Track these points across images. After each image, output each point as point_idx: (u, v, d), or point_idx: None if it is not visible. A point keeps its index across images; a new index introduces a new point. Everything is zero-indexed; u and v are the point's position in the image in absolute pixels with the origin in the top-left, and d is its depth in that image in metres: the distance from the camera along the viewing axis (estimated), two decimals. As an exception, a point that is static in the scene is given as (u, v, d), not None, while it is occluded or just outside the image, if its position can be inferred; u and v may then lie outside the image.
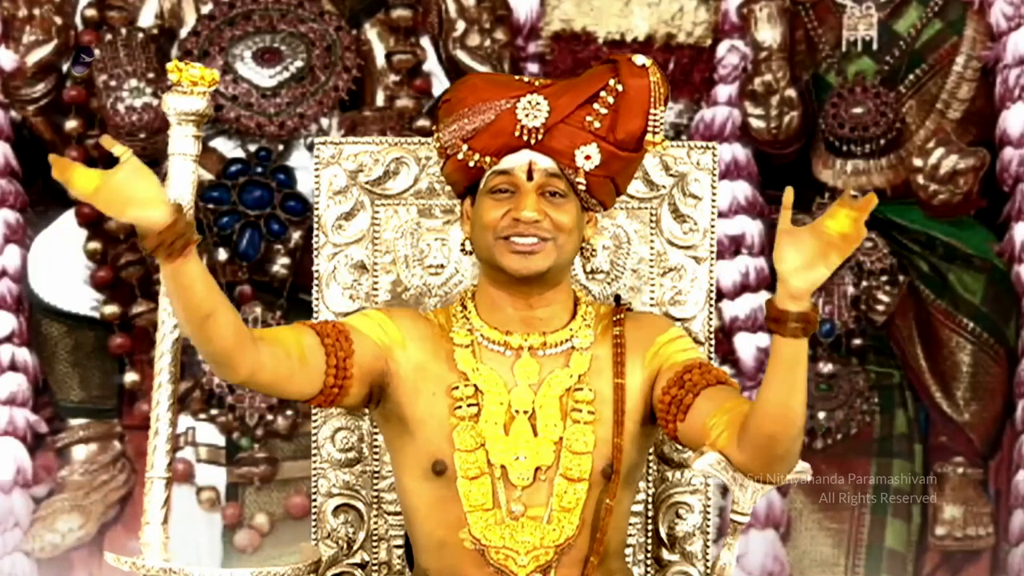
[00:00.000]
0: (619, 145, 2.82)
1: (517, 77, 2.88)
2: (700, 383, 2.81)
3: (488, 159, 2.83)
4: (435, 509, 2.88)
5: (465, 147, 2.83)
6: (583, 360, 2.90)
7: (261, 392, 2.89)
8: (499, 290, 2.89)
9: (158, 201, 2.60)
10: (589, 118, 2.80)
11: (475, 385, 2.87)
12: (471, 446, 2.85)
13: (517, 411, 2.87)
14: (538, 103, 2.81)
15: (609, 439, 2.86)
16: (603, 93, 2.81)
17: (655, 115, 2.81)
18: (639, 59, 2.82)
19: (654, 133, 2.82)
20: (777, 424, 2.67)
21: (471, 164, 2.84)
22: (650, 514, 3.19)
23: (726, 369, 5.12)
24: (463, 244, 2.94)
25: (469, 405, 2.86)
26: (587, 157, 2.81)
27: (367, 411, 3.11)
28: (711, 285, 3.21)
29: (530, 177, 2.82)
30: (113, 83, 5.14)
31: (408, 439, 2.89)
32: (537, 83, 2.84)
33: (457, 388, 2.87)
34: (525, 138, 2.81)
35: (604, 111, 2.80)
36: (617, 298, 3.09)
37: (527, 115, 2.81)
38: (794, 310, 2.62)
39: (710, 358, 3.20)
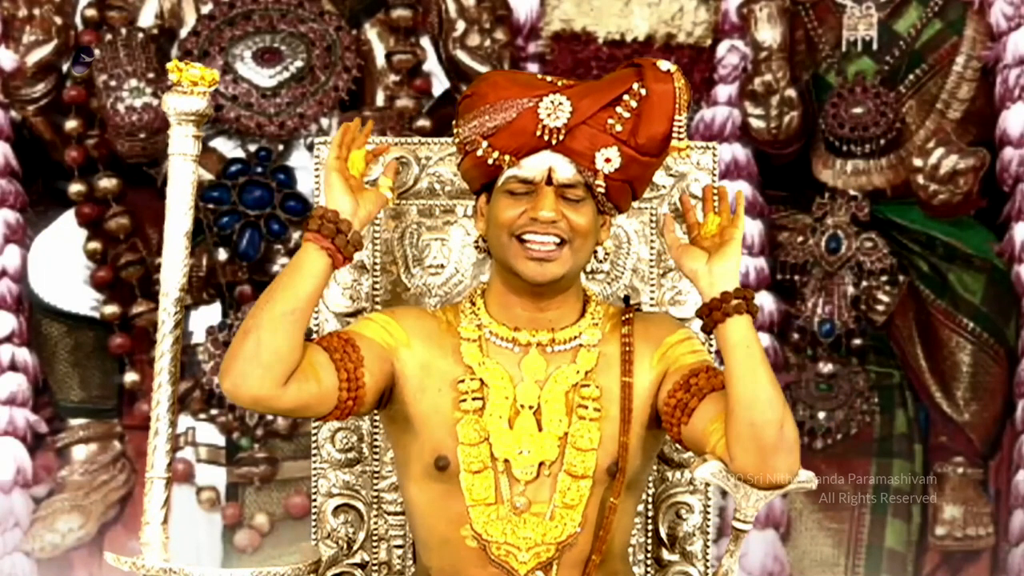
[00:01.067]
0: (639, 149, 2.81)
1: (540, 76, 2.87)
2: (706, 387, 2.82)
3: (507, 157, 2.82)
4: (438, 506, 2.88)
5: (485, 144, 2.82)
6: (590, 357, 2.90)
7: (276, 415, 2.91)
8: (510, 291, 2.89)
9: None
10: (611, 121, 2.79)
11: (480, 379, 2.87)
12: (474, 440, 2.85)
13: (522, 406, 2.87)
14: (561, 103, 2.80)
15: (615, 436, 2.86)
16: (626, 97, 2.80)
17: (679, 121, 2.81)
18: (664, 64, 2.82)
19: (679, 138, 2.82)
20: (753, 411, 2.71)
21: (490, 161, 2.83)
22: (650, 514, 3.20)
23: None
24: (477, 241, 2.94)
25: (474, 399, 2.86)
26: (607, 160, 2.81)
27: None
28: (711, 285, 3.21)
29: (549, 181, 2.82)
30: (113, 83, 5.14)
31: (412, 437, 2.89)
32: (560, 83, 2.83)
33: (463, 381, 2.87)
34: (546, 138, 2.80)
35: (627, 115, 2.79)
36: (626, 299, 3.09)
37: (549, 115, 2.80)
38: (729, 289, 2.76)
39: (710, 358, 3.20)
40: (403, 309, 3.02)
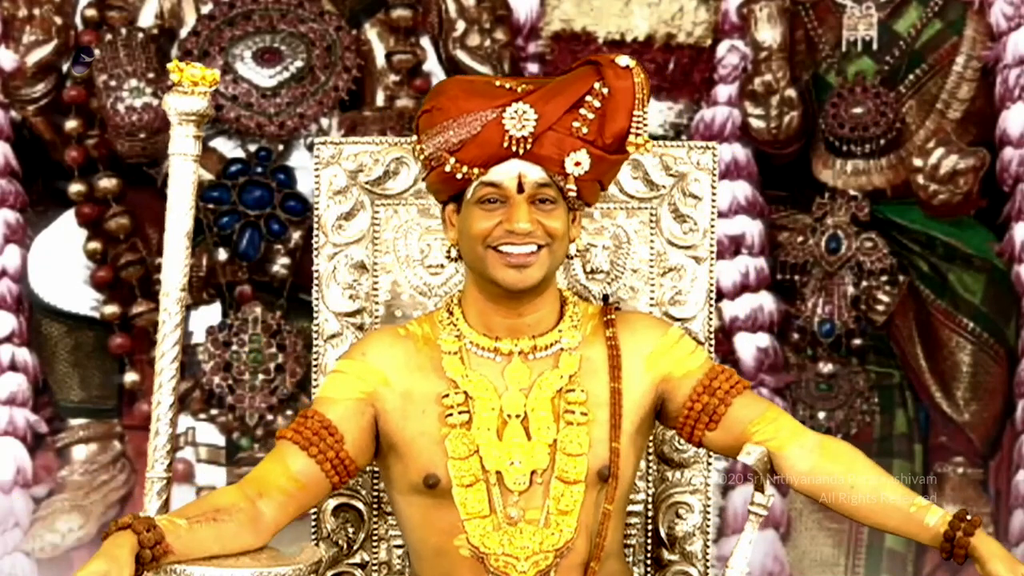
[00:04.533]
0: (607, 148, 2.80)
1: (498, 83, 2.82)
2: (731, 392, 2.85)
3: (476, 170, 2.80)
4: (429, 519, 2.87)
5: (452, 160, 2.79)
6: (572, 361, 2.88)
7: None
8: (488, 299, 2.87)
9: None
10: (576, 124, 2.77)
11: (465, 392, 2.86)
12: (464, 453, 2.83)
13: (509, 416, 2.85)
14: (525, 112, 2.77)
15: (603, 440, 2.86)
16: (589, 98, 2.78)
17: (638, 116, 2.79)
18: (623, 60, 2.79)
19: (637, 135, 2.80)
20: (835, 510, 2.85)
21: (459, 176, 2.80)
22: (650, 514, 3.19)
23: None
24: (449, 251, 2.92)
25: (460, 412, 2.84)
26: (577, 164, 2.79)
27: None
28: (711, 285, 3.21)
29: (520, 189, 2.79)
30: (113, 83, 5.14)
31: (396, 458, 2.88)
32: (519, 89, 2.80)
33: (447, 396, 2.86)
34: (513, 148, 2.78)
35: (591, 116, 2.77)
36: (605, 297, 3.09)
37: (514, 125, 2.77)
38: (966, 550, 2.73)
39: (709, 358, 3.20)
40: (373, 342, 2.95)
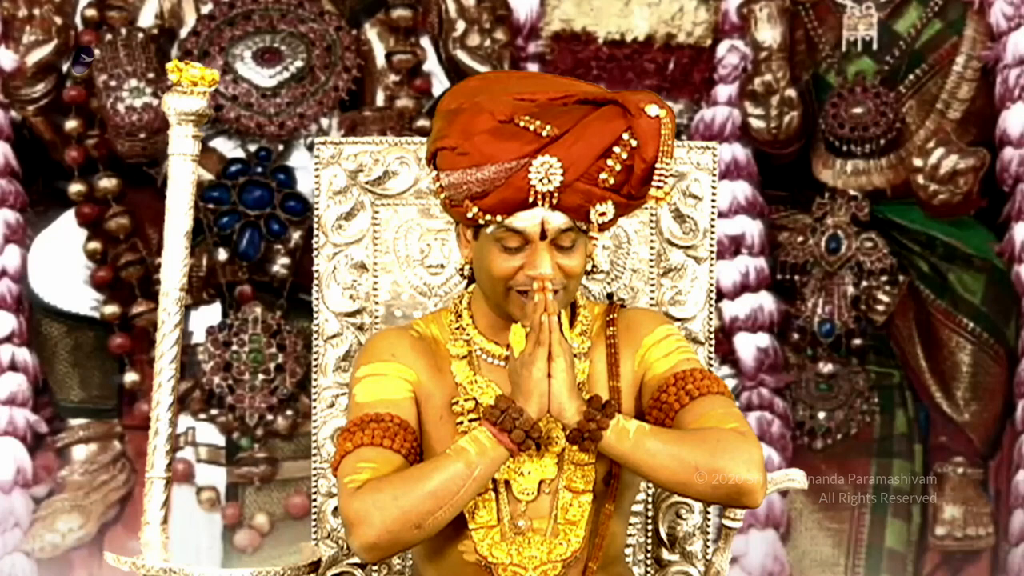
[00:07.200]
0: (632, 196, 2.75)
1: (523, 123, 2.71)
2: (675, 405, 2.79)
3: (498, 217, 2.74)
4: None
5: (475, 208, 2.74)
6: (582, 368, 2.86)
7: None
8: (501, 315, 2.84)
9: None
10: (603, 175, 2.71)
11: (474, 399, 2.84)
12: None
13: None
14: (551, 166, 2.69)
15: (609, 445, 2.84)
16: (617, 148, 2.71)
17: (661, 168, 2.73)
18: (653, 110, 2.71)
19: (659, 187, 2.74)
20: (678, 492, 2.78)
21: (481, 222, 2.75)
22: (650, 514, 3.19)
23: (726, 369, 5.13)
24: (462, 268, 2.87)
25: (471, 420, 2.82)
26: (602, 214, 2.73)
27: None
28: (711, 285, 3.21)
29: (543, 236, 2.75)
30: (113, 83, 5.14)
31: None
32: (544, 132, 2.71)
33: (457, 403, 2.84)
34: (540, 203, 2.72)
35: (618, 167, 2.71)
36: (610, 296, 3.07)
37: (540, 180, 2.70)
38: (568, 429, 2.75)
39: (710, 359, 3.20)
40: (395, 343, 2.90)
